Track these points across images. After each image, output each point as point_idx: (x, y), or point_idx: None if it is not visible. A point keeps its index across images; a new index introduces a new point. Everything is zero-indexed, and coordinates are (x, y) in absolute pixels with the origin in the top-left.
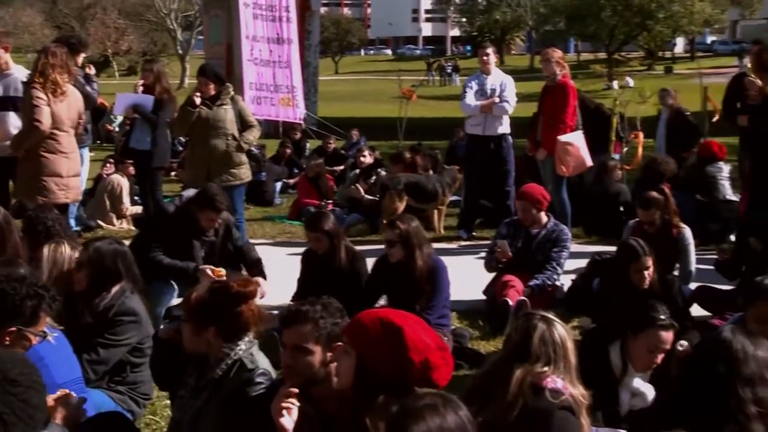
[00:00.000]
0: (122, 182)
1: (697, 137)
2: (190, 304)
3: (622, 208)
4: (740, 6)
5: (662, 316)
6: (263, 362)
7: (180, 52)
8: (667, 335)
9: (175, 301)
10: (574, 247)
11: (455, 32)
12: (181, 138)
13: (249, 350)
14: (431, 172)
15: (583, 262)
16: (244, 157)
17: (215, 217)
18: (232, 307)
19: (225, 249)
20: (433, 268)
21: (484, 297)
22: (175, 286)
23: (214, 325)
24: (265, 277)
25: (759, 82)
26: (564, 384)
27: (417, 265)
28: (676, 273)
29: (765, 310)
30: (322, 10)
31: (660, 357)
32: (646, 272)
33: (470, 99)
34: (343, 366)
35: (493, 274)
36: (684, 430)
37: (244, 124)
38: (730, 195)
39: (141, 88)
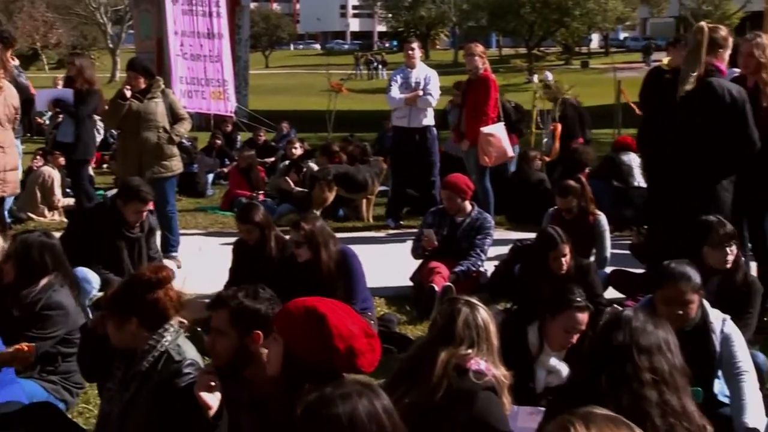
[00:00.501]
0: (54, 174)
1: (582, 127)
2: (107, 299)
3: (543, 196)
4: (649, 5)
5: (578, 299)
6: (191, 352)
7: (111, 46)
8: (583, 316)
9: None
10: (497, 234)
11: (382, 28)
12: (113, 131)
13: (175, 341)
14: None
15: (505, 249)
16: (175, 149)
17: (143, 208)
18: (147, 294)
19: (147, 247)
20: (342, 260)
21: (411, 283)
22: (96, 277)
23: (134, 315)
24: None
25: None
26: (487, 365)
27: (323, 263)
28: (592, 258)
29: (671, 293)
30: (252, 5)
31: (575, 337)
32: (563, 259)
33: (395, 92)
34: (272, 353)
35: (419, 261)
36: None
37: (175, 117)
38: (642, 182)
39: (61, 83)
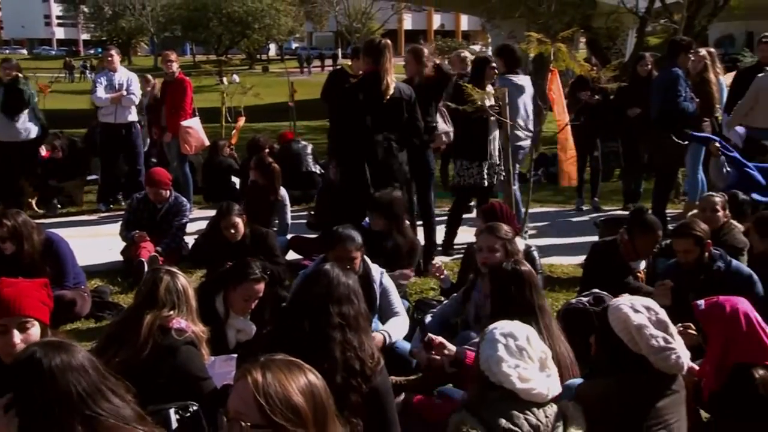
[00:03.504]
0: None
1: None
2: None
3: (233, 177)
4: (313, 21)
5: (256, 272)
6: None
7: None
8: (259, 286)
9: None
10: (197, 212)
11: (86, 36)
12: None
13: None
14: None
15: (204, 223)
16: None
17: None
18: None
19: None
20: (49, 246)
21: (122, 258)
22: None
23: None
24: None
25: None
26: (187, 324)
27: (26, 253)
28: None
29: (340, 252)
30: None
31: (253, 304)
32: (233, 229)
33: (101, 93)
34: None
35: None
36: (284, 353)
37: None
38: (312, 168)
39: None
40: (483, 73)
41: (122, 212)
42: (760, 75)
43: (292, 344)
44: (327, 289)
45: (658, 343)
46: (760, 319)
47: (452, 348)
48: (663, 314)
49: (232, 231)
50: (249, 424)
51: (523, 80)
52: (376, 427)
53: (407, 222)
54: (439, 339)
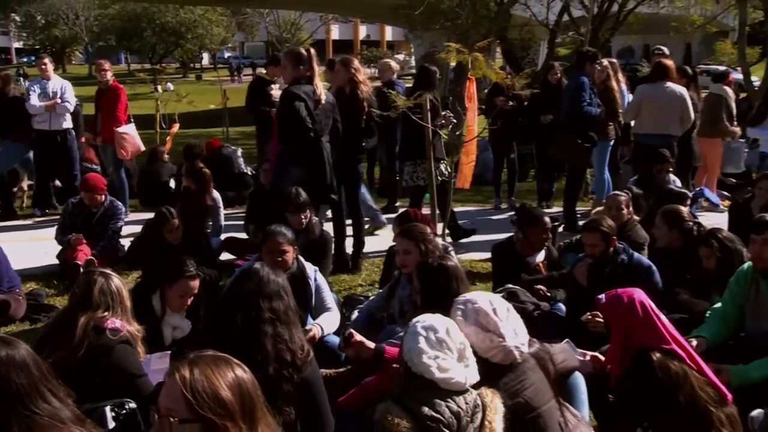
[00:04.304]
0: None
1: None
2: None
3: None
4: (244, 31)
5: (191, 269)
6: None
7: None
8: (194, 283)
9: None
10: (133, 215)
11: (19, 44)
12: None
13: None
14: None
15: (139, 227)
16: None
17: None
18: None
19: None
20: None
21: (58, 261)
22: None
23: None
24: None
25: None
26: (122, 323)
27: None
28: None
29: (272, 245)
30: None
31: (189, 301)
32: (174, 232)
33: (35, 100)
34: None
35: (65, 243)
36: (218, 347)
37: None
38: (243, 169)
39: None
40: (431, 80)
41: (57, 217)
42: (642, 85)
43: (226, 339)
44: (258, 286)
45: (485, 344)
46: (654, 306)
47: (371, 345)
48: (487, 316)
49: (173, 234)
50: (177, 419)
51: None
52: (308, 416)
53: (316, 219)
54: (358, 337)
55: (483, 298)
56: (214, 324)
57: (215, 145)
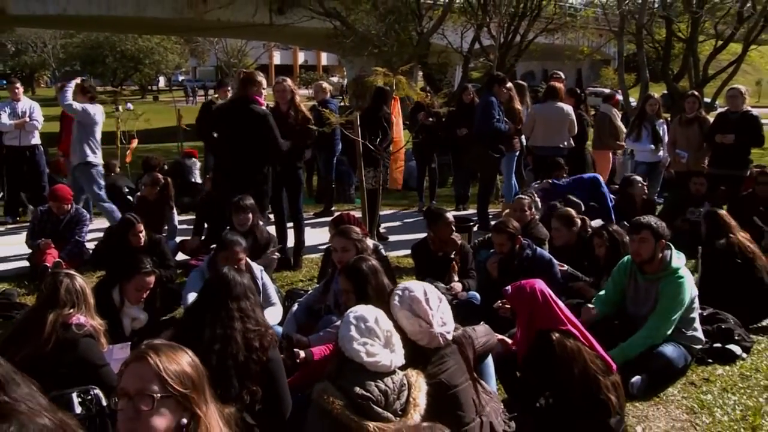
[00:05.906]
0: None
1: None
2: None
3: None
4: (196, 57)
5: (146, 266)
6: None
7: None
8: (150, 278)
9: None
10: (99, 223)
11: None
12: None
13: None
14: None
15: (101, 233)
16: None
17: None
18: None
19: None
20: None
21: (28, 264)
22: None
23: None
24: None
25: None
26: (86, 319)
27: None
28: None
29: (228, 253)
30: None
31: (145, 294)
32: (140, 234)
33: (5, 119)
34: None
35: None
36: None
37: None
38: (197, 179)
39: None
40: (385, 97)
41: (27, 223)
42: (535, 105)
43: (200, 337)
44: (226, 287)
45: (414, 328)
46: (552, 294)
47: (302, 354)
48: (419, 303)
49: (137, 237)
50: (159, 395)
51: None
52: (270, 395)
53: (261, 222)
54: (296, 338)
55: (419, 287)
56: (190, 323)
57: (193, 153)
